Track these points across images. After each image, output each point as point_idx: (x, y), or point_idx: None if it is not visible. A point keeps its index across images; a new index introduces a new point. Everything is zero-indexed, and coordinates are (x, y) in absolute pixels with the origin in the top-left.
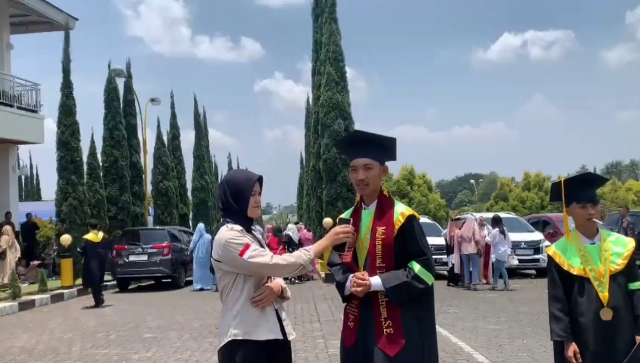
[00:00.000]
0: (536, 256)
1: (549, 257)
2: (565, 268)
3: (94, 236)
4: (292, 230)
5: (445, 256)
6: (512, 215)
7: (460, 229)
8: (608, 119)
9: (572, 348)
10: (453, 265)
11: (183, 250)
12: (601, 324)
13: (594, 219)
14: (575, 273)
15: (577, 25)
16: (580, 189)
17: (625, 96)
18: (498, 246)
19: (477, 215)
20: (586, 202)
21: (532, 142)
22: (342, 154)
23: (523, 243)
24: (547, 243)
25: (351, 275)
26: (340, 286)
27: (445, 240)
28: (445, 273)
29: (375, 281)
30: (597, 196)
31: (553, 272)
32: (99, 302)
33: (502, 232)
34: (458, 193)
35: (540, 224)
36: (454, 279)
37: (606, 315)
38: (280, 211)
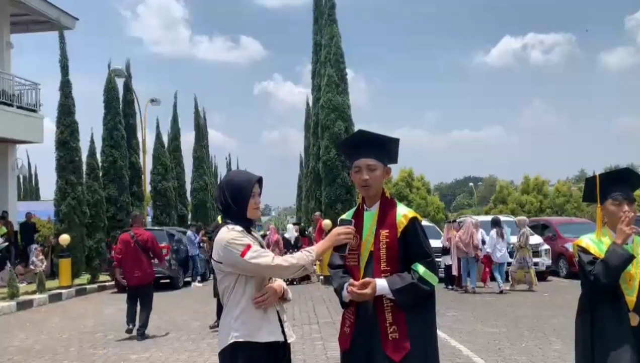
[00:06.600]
0: (535, 260)
1: (581, 248)
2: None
3: None
4: (289, 231)
5: (441, 258)
6: (511, 218)
7: (457, 231)
8: (607, 123)
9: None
10: (448, 266)
11: (181, 250)
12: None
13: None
14: None
15: (577, 28)
16: (616, 186)
17: (625, 100)
18: (496, 248)
19: (475, 218)
20: (622, 199)
21: (532, 145)
22: (345, 155)
23: None
24: (546, 246)
25: (346, 284)
26: (338, 292)
27: (442, 242)
28: (442, 275)
29: (381, 283)
30: (633, 195)
31: (583, 258)
32: None
33: (500, 234)
34: (457, 195)
35: (539, 228)
36: (450, 280)
37: (632, 320)
38: (279, 213)
